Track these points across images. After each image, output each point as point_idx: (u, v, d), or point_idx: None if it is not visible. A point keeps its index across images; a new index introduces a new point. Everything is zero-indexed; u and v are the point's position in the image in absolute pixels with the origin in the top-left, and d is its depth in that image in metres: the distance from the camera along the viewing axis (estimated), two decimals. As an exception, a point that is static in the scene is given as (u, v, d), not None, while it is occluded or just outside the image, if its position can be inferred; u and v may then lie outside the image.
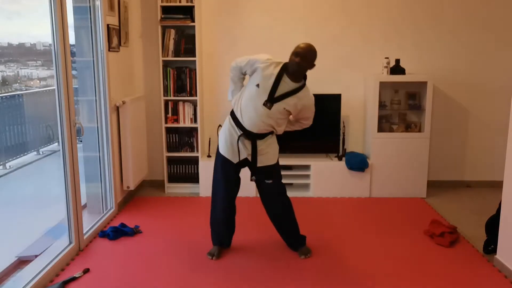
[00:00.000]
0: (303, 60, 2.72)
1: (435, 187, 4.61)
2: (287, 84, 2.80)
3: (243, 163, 2.97)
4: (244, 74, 2.95)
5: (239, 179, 3.05)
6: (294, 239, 3.15)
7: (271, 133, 2.97)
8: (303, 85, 2.85)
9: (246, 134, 2.88)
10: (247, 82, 2.94)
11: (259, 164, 2.94)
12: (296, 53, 2.73)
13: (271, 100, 2.78)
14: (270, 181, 2.99)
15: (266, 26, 4.48)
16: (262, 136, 2.92)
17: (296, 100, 2.83)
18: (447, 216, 3.87)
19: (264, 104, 2.78)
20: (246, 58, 2.89)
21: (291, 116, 2.94)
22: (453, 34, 4.48)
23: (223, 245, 3.16)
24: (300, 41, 4.49)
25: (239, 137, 2.89)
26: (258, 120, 2.82)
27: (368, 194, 4.38)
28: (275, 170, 3.02)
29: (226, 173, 2.98)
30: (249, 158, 2.93)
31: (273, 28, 4.48)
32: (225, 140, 2.95)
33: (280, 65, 2.80)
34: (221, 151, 2.97)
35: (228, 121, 2.97)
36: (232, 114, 2.94)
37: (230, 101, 3.03)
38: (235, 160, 2.93)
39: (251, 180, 3.00)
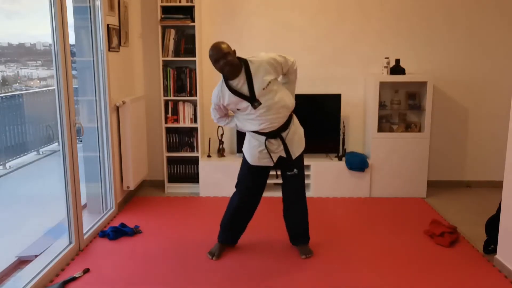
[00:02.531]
0: (220, 59, 2.66)
1: (435, 187, 4.61)
2: (240, 81, 2.74)
3: (276, 163, 2.97)
4: (226, 112, 2.98)
5: (266, 178, 3.07)
6: (302, 232, 3.14)
7: (290, 117, 2.92)
8: (245, 61, 2.75)
9: (270, 135, 2.87)
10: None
11: (294, 156, 2.95)
12: (213, 61, 2.70)
13: (252, 99, 2.74)
14: (295, 172, 2.99)
15: (266, 25, 4.48)
16: (285, 127, 2.89)
17: (260, 73, 2.73)
18: (447, 216, 3.87)
19: (255, 107, 2.76)
20: (212, 111, 2.97)
21: (279, 78, 2.88)
22: (453, 34, 4.48)
23: (230, 241, 3.16)
24: (300, 41, 4.51)
25: (265, 140, 2.87)
26: (269, 117, 2.78)
27: (368, 194, 4.38)
28: (301, 160, 3.02)
29: (254, 175, 3.02)
30: (283, 154, 2.92)
31: (273, 28, 4.48)
32: (251, 152, 2.95)
33: (222, 81, 2.79)
34: (253, 163, 2.96)
35: (248, 136, 2.99)
36: (249, 132, 2.97)
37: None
38: (271, 163, 2.94)
39: (293, 173, 2.99)
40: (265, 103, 2.75)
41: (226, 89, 2.77)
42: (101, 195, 3.83)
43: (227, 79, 2.77)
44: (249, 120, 2.85)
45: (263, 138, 2.88)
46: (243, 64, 2.74)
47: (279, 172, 3.06)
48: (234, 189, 3.11)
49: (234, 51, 2.74)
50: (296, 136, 2.96)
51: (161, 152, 4.56)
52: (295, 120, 3.00)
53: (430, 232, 3.41)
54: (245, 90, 2.74)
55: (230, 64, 2.68)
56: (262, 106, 2.75)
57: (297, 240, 3.17)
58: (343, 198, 4.36)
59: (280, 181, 3.14)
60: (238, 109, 2.84)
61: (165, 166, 4.51)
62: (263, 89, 2.72)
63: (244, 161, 3.04)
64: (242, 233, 3.19)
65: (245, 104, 2.77)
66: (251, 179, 3.04)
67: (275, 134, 2.87)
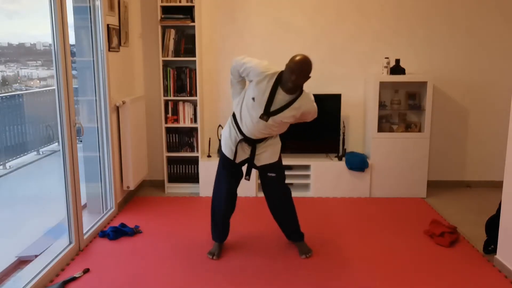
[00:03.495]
0: (299, 76, 2.64)
1: (435, 187, 4.61)
2: (283, 97, 2.74)
3: (243, 161, 3.00)
4: (242, 77, 2.93)
5: (241, 175, 3.08)
6: (293, 230, 3.16)
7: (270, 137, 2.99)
8: (300, 94, 2.78)
9: (246, 139, 2.90)
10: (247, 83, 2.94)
11: (257, 163, 2.98)
12: (291, 70, 2.62)
13: (268, 113, 2.76)
14: (273, 175, 3.00)
15: (266, 25, 4.48)
16: (261, 140, 2.94)
17: (294, 111, 2.78)
18: (447, 216, 3.87)
19: (261, 117, 2.77)
20: (243, 62, 2.82)
21: (291, 121, 2.92)
22: (453, 34, 4.48)
23: (221, 240, 3.17)
24: (300, 41, 4.51)
25: (239, 141, 2.91)
26: (256, 130, 2.84)
27: (368, 194, 4.38)
28: (276, 166, 3.02)
29: (228, 168, 3.03)
30: (249, 156, 2.97)
31: (273, 28, 4.48)
32: (226, 141, 2.99)
33: (275, 77, 2.72)
34: (224, 151, 3.01)
35: (230, 122, 2.98)
36: (234, 117, 2.95)
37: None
38: (234, 159, 2.97)
39: (245, 179, 3.02)
40: (267, 123, 2.80)
41: (271, 82, 2.71)
42: (101, 195, 3.83)
43: (280, 83, 2.72)
44: (241, 111, 2.86)
45: (239, 137, 2.91)
46: (299, 93, 2.77)
47: (247, 177, 3.04)
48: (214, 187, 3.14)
49: (310, 77, 2.72)
50: (269, 148, 2.98)
51: (161, 152, 4.56)
52: (276, 137, 3.03)
53: (430, 232, 3.41)
54: (276, 103, 2.74)
55: (299, 83, 2.70)
56: (264, 122, 2.78)
57: (293, 237, 3.19)
58: (343, 198, 4.36)
59: None
60: (253, 98, 2.77)
61: (165, 166, 4.51)
62: (282, 120, 2.79)
63: (221, 155, 3.06)
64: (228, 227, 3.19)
65: (259, 105, 2.76)
66: (227, 176, 3.04)
67: (250, 141, 2.92)
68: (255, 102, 2.77)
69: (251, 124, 2.82)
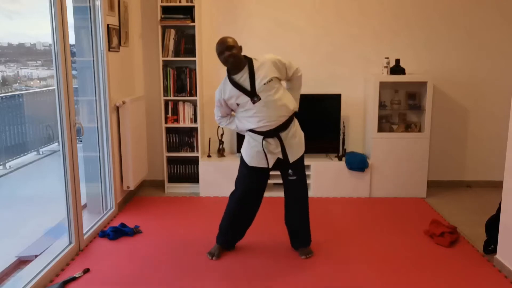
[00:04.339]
0: (225, 51, 2.76)
1: (435, 187, 4.61)
2: (243, 76, 2.80)
3: (275, 165, 2.96)
4: (230, 110, 3.00)
5: (265, 185, 3.06)
6: (300, 239, 3.13)
7: (291, 119, 2.92)
8: (250, 60, 2.84)
9: (268, 134, 2.87)
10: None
11: (292, 160, 2.93)
12: (219, 53, 2.78)
13: (252, 93, 2.78)
14: (294, 177, 2.98)
15: (266, 25, 4.48)
16: (284, 127, 2.88)
17: (263, 70, 2.80)
18: (447, 216, 3.87)
19: (254, 101, 2.78)
20: (215, 110, 3.01)
21: (284, 84, 2.93)
22: (453, 34, 4.48)
23: (227, 246, 3.15)
24: (300, 41, 4.51)
25: (262, 140, 2.86)
26: (267, 114, 2.79)
27: (368, 194, 4.38)
28: (300, 164, 3.00)
29: (252, 178, 3.00)
30: (281, 156, 2.91)
31: (273, 28, 4.48)
32: (249, 153, 2.94)
33: (225, 78, 2.87)
34: (251, 164, 2.95)
35: (247, 137, 2.98)
36: (249, 131, 2.95)
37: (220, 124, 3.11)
38: (266, 165, 2.92)
39: (291, 177, 2.97)
40: (264, 99, 2.78)
41: (228, 82, 2.84)
42: (101, 195, 3.83)
43: (230, 74, 2.84)
44: (248, 118, 2.86)
45: (260, 137, 2.88)
46: (247, 61, 2.84)
47: (278, 172, 3.05)
48: (234, 189, 3.11)
49: (240, 47, 2.85)
50: (296, 139, 2.95)
51: (161, 152, 4.56)
52: (296, 123, 3.00)
53: (430, 232, 3.41)
54: (246, 84, 2.79)
55: (233, 56, 2.77)
56: (261, 101, 2.77)
57: (297, 244, 3.14)
58: (343, 198, 4.36)
59: (280, 181, 3.14)
60: (237, 104, 2.85)
61: (165, 166, 4.51)
62: (264, 84, 2.77)
63: (242, 163, 3.03)
64: (240, 239, 3.18)
65: (245, 98, 2.80)
66: (249, 182, 3.01)
67: (273, 133, 2.86)
68: (241, 102, 2.83)
69: (258, 115, 2.80)
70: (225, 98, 2.88)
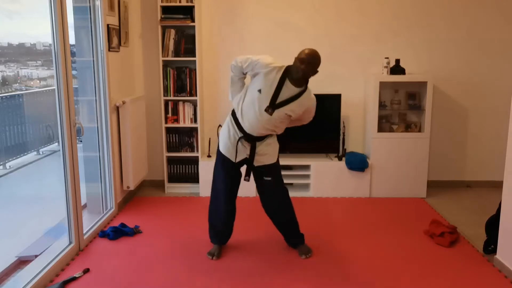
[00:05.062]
0: (308, 66, 2.69)
1: (435, 187, 4.61)
2: (289, 90, 2.77)
3: (242, 162, 2.98)
4: (245, 74, 2.93)
5: (239, 177, 3.06)
6: (293, 237, 3.16)
7: (271, 134, 2.98)
8: (305, 89, 2.83)
9: (246, 136, 2.89)
10: (247, 82, 2.93)
11: (256, 164, 2.96)
12: (301, 60, 2.69)
13: (273, 106, 2.77)
14: (269, 178, 3.00)
15: (266, 25, 4.48)
16: (261, 138, 2.93)
17: (298, 105, 2.81)
18: (447, 216, 3.87)
19: (266, 110, 2.77)
20: (247, 58, 2.84)
21: (292, 117, 2.92)
22: (453, 34, 4.48)
23: (221, 243, 3.16)
24: (300, 41, 4.51)
25: (239, 139, 2.89)
26: (259, 124, 2.82)
27: (368, 194, 4.38)
28: (274, 168, 3.02)
29: (226, 170, 3.00)
30: (248, 157, 2.95)
31: (273, 28, 4.48)
32: (224, 141, 2.96)
33: (282, 70, 2.76)
34: (221, 150, 2.99)
35: (229, 121, 2.97)
36: (233, 115, 2.94)
37: (231, 100, 3.02)
38: (234, 159, 2.95)
39: (244, 179, 3.01)
40: (269, 117, 2.79)
41: (279, 76, 2.75)
42: (101, 195, 3.83)
43: (288, 75, 2.76)
44: (246, 108, 2.84)
45: (239, 135, 2.90)
46: (304, 87, 2.82)
47: (247, 178, 3.03)
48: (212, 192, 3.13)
49: (315, 74, 2.78)
50: (269, 148, 2.98)
51: (161, 152, 4.56)
52: (274, 137, 3.03)
53: (430, 232, 3.41)
54: (282, 96, 2.76)
55: (306, 74, 2.73)
56: (267, 115, 2.78)
57: (293, 244, 3.17)
58: (343, 198, 4.36)
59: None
60: (258, 90, 2.77)
61: (165, 166, 4.51)
62: (286, 113, 2.80)
63: (217, 161, 3.03)
64: (231, 234, 3.18)
65: (264, 97, 2.76)
66: (228, 180, 3.02)
67: (251, 139, 2.90)
68: (261, 94, 2.77)
69: (254, 118, 2.81)
70: (258, 70, 2.77)
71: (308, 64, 2.69)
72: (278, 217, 3.13)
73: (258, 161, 2.96)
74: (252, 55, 2.88)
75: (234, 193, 3.08)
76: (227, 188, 3.02)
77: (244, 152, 2.94)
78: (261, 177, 3.02)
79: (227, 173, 3.00)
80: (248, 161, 2.96)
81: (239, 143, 2.90)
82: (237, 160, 2.95)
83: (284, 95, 2.77)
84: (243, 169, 3.03)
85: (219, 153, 3.02)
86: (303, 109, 2.85)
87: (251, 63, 2.81)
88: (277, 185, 3.05)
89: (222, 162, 3.00)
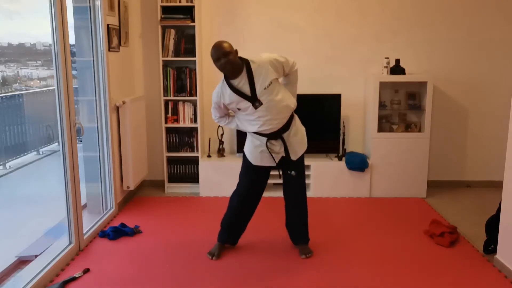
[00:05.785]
0: (221, 57, 2.65)
1: (435, 187, 4.61)
2: (241, 81, 2.73)
3: (279, 163, 2.96)
4: (228, 112, 2.99)
5: (265, 179, 3.07)
6: (299, 234, 3.15)
7: (291, 117, 2.92)
8: (246, 61, 2.75)
9: (271, 136, 2.86)
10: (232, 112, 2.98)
11: (294, 158, 2.94)
12: (215, 60, 2.68)
13: (254, 99, 2.74)
14: (293, 173, 2.99)
15: (266, 25, 4.48)
16: (286, 127, 2.88)
17: (261, 73, 2.73)
18: (447, 216, 3.87)
19: (256, 107, 2.75)
20: (212, 110, 2.97)
21: (280, 79, 2.88)
22: (453, 34, 4.48)
23: (231, 241, 3.16)
24: (300, 41, 4.51)
25: (267, 141, 2.87)
26: (272, 118, 2.78)
27: (368, 194, 4.38)
28: (300, 161, 3.00)
29: (255, 175, 3.01)
30: (284, 154, 2.92)
31: (273, 28, 4.48)
32: (253, 154, 2.94)
33: (223, 80, 2.79)
34: (255, 162, 2.95)
35: (249, 137, 2.98)
36: (251, 134, 2.95)
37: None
38: (273, 163, 2.93)
39: (292, 174, 2.98)
40: (266, 103, 2.75)
41: (227, 88, 2.77)
42: (101, 195, 3.83)
43: (228, 78, 2.77)
44: (250, 121, 2.84)
45: (264, 139, 2.87)
46: (244, 64, 2.74)
47: (280, 172, 3.06)
48: (234, 189, 3.11)
49: (236, 50, 2.73)
50: (298, 136, 2.95)
51: (161, 152, 4.56)
52: (296, 120, 2.99)
53: (430, 232, 3.40)
54: (246, 89, 2.74)
55: (230, 63, 2.67)
56: (263, 106, 2.75)
57: (296, 240, 3.18)
58: (343, 198, 4.36)
59: (280, 181, 3.14)
60: (239, 109, 2.83)
61: (165, 166, 4.51)
62: (265, 88, 2.72)
63: (245, 160, 3.03)
64: (242, 233, 3.20)
65: (246, 104, 2.76)
66: (251, 179, 3.04)
67: (276, 135, 2.86)
68: (241, 107, 2.79)
69: (263, 120, 2.78)
70: (225, 103, 2.83)
71: (217, 58, 2.66)
72: (291, 211, 3.12)
73: (294, 153, 2.93)
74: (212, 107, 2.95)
75: (255, 193, 3.08)
76: (250, 185, 3.03)
77: (278, 152, 2.91)
78: (286, 170, 3.01)
79: (252, 176, 3.01)
80: (286, 159, 2.93)
81: (268, 145, 2.87)
82: (277, 160, 2.92)
83: (246, 88, 2.73)
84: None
85: (246, 160, 3.00)
86: (267, 69, 2.75)
87: (215, 106, 2.91)
88: (298, 181, 3.04)
89: (248, 167, 2.99)
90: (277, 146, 2.89)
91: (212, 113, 3.01)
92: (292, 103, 2.87)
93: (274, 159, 2.92)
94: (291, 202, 3.11)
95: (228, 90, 2.77)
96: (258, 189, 3.08)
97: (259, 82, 2.73)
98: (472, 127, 4.66)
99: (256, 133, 2.88)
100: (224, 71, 2.73)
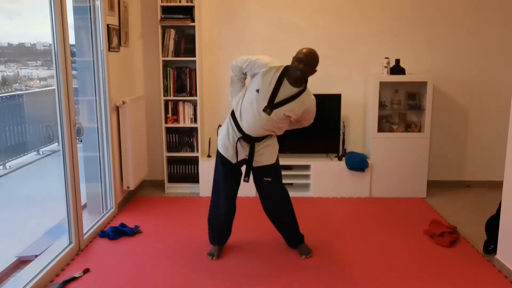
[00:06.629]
0: (306, 66, 2.68)
1: (435, 187, 4.61)
2: (287, 89, 2.76)
3: (241, 162, 2.98)
4: (245, 74, 2.93)
5: (239, 177, 3.06)
6: (293, 237, 3.16)
7: (270, 135, 2.97)
8: (304, 89, 2.81)
9: (245, 137, 2.88)
10: (248, 82, 2.93)
11: (254, 164, 2.96)
12: (299, 59, 2.68)
13: (271, 106, 2.76)
14: (269, 179, 2.99)
15: (266, 25, 4.48)
16: (260, 138, 2.92)
17: (297, 105, 2.79)
18: (447, 216, 3.87)
19: (264, 110, 2.76)
20: (247, 58, 2.85)
21: (292, 118, 2.91)
22: (453, 34, 4.48)
23: (221, 243, 3.16)
24: (300, 41, 4.51)
25: (238, 139, 2.89)
26: (257, 125, 2.81)
27: (368, 194, 4.38)
28: (273, 169, 3.01)
29: (226, 170, 2.99)
30: (246, 157, 2.94)
31: (273, 28, 4.48)
32: (223, 141, 2.96)
33: (281, 70, 2.76)
34: (220, 150, 2.98)
35: (228, 122, 2.96)
36: (233, 115, 2.94)
37: (232, 101, 3.01)
38: (233, 160, 2.94)
39: (244, 180, 3.00)
40: (269, 118, 2.78)
41: (277, 76, 2.74)
42: (101, 195, 3.83)
43: (285, 75, 2.75)
44: (244, 108, 2.83)
45: (237, 136, 2.89)
46: (303, 87, 2.80)
47: (246, 178, 3.02)
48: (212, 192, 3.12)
49: (314, 73, 2.78)
50: (267, 149, 2.97)
51: (161, 152, 4.56)
52: (274, 138, 3.02)
53: (430, 232, 3.41)
54: (280, 96, 2.75)
55: (305, 74, 2.73)
56: (266, 115, 2.77)
57: (293, 244, 3.17)
58: (343, 198, 4.36)
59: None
60: (257, 90, 2.77)
61: (165, 166, 4.51)
62: (284, 114, 2.78)
63: (218, 162, 3.02)
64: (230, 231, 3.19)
65: (262, 97, 2.75)
66: (229, 180, 3.02)
67: (249, 139, 2.89)
68: (259, 94, 2.76)
69: (252, 118, 2.80)
70: (260, 71, 2.75)
71: (306, 63, 2.68)
72: (277, 217, 3.13)
73: (257, 161, 2.95)
74: (252, 55, 2.87)
75: (234, 193, 3.07)
76: (227, 188, 3.02)
77: (243, 152, 2.93)
78: (261, 177, 3.01)
79: (226, 173, 3.00)
80: (247, 161, 2.95)
81: (238, 143, 2.90)
82: (237, 160, 2.94)
83: (282, 95, 2.76)
84: (243, 168, 3.02)
85: (218, 153, 3.01)
86: (302, 109, 2.83)
87: (250, 63, 2.81)
88: (277, 186, 3.04)
89: (222, 162, 2.99)
90: (245, 148, 2.92)
91: (237, 64, 2.89)
92: (279, 133, 2.97)
93: (236, 156, 2.91)
94: (276, 208, 3.10)
95: (275, 77, 2.74)
96: (235, 188, 3.07)
97: (289, 106, 2.77)
98: (472, 127, 4.66)
99: (236, 123, 2.88)
100: (294, 73, 2.72)
